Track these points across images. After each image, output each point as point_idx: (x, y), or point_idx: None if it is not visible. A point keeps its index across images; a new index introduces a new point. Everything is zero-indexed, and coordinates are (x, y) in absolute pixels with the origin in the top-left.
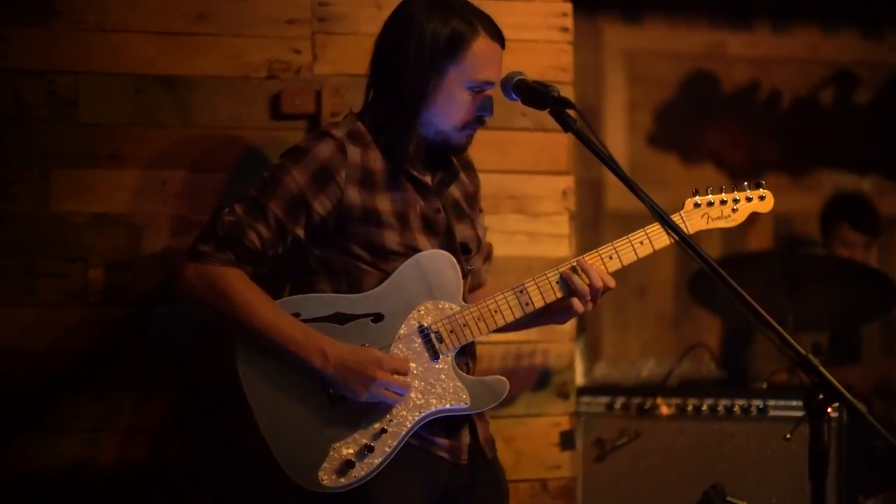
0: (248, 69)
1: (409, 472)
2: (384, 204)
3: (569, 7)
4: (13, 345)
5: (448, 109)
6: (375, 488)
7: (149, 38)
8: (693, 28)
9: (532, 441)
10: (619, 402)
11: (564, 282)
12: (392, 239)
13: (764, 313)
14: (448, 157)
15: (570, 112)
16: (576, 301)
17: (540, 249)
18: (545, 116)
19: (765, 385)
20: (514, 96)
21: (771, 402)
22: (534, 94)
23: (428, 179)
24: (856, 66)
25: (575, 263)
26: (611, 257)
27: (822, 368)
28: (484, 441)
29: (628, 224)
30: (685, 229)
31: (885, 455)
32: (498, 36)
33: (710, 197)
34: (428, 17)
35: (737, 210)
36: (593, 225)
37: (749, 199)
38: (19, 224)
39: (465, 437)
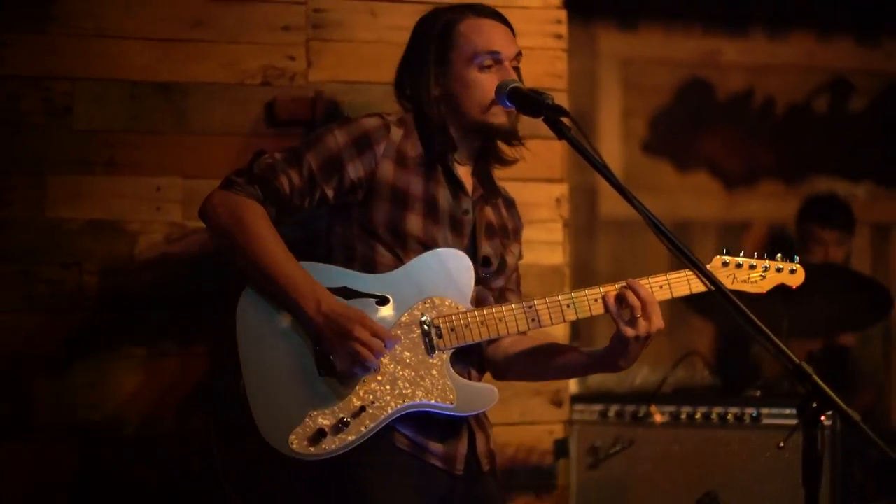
0: (244, 76)
1: (404, 479)
2: (415, 188)
3: (563, 14)
4: (8, 350)
5: (467, 94)
6: (370, 495)
7: (145, 45)
8: (688, 35)
9: (526, 449)
10: (613, 410)
11: (576, 306)
12: (415, 224)
13: (758, 322)
14: (492, 180)
15: (565, 119)
16: (626, 328)
17: (534, 257)
18: (539, 124)
19: (759, 393)
20: (508, 104)
21: (765, 410)
22: (528, 101)
23: (466, 181)
24: (851, 73)
25: (617, 287)
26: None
27: (815, 377)
28: (482, 453)
29: (622, 231)
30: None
31: (878, 463)
32: (486, 13)
33: (739, 259)
34: (425, 26)
35: (764, 278)
36: (587, 232)
37: (779, 270)
38: (15, 230)
39: (462, 447)
